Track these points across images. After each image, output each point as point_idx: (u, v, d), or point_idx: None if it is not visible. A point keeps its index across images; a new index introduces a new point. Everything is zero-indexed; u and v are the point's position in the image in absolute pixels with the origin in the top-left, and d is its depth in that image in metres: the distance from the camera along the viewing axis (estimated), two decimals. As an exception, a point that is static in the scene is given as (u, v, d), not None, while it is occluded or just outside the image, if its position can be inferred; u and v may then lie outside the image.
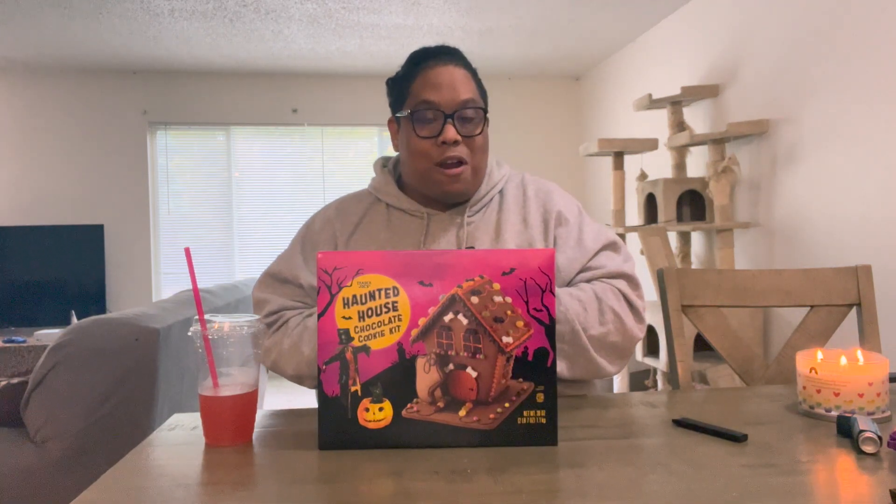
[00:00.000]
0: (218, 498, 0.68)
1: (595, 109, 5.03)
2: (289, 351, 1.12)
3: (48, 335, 3.90)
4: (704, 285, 1.33)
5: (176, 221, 5.05)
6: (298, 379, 1.13)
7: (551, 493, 0.67)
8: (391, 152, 1.35)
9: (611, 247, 1.21)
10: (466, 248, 1.17)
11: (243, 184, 5.11)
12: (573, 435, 0.86)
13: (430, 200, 1.22)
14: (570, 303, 1.10)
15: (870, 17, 2.41)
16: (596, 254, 1.20)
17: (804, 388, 0.94)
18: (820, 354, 0.94)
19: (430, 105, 1.13)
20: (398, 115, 1.20)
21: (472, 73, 1.20)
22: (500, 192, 1.25)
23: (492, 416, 0.81)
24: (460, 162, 1.15)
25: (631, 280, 1.18)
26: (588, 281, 1.18)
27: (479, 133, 1.16)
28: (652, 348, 3.26)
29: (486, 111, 1.18)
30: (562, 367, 1.10)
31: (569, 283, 1.19)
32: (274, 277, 1.21)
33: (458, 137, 1.13)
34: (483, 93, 1.21)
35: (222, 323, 0.85)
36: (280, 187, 5.14)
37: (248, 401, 0.86)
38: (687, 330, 1.41)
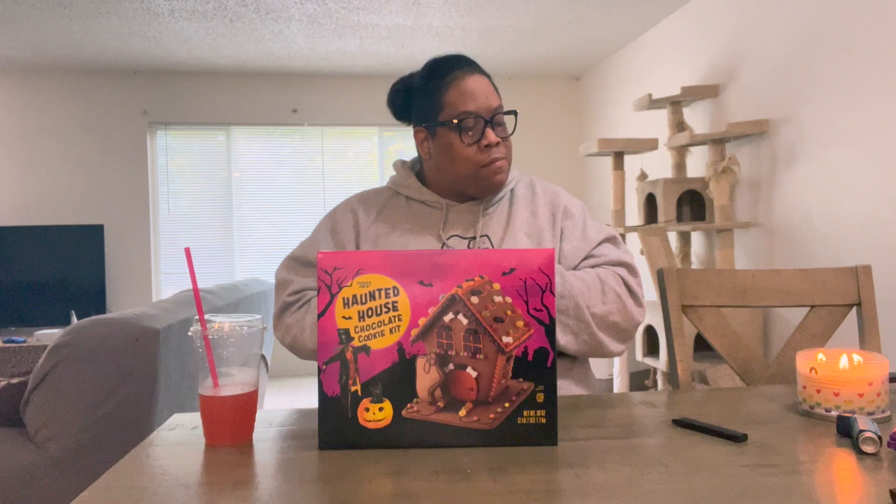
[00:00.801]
0: (218, 498, 0.68)
1: (595, 109, 5.03)
2: (312, 326, 1.17)
3: (48, 335, 3.90)
4: (704, 285, 1.33)
5: (176, 221, 5.05)
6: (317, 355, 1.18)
7: (551, 493, 0.67)
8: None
9: (611, 240, 1.31)
10: (480, 237, 1.27)
11: (243, 184, 5.11)
12: (573, 435, 0.86)
13: (449, 195, 1.31)
14: (574, 281, 1.18)
15: (870, 17, 2.41)
16: (598, 244, 1.29)
17: (804, 388, 0.94)
18: (820, 354, 0.94)
19: (471, 114, 1.22)
20: (431, 124, 1.27)
21: (490, 77, 1.30)
22: (511, 190, 1.35)
23: (492, 416, 0.81)
24: (502, 160, 1.27)
25: (631, 268, 1.26)
26: (592, 267, 1.27)
27: (512, 133, 1.29)
28: (652, 348, 3.26)
29: (515, 113, 1.31)
30: (567, 341, 1.17)
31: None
32: (297, 261, 1.28)
33: (499, 140, 1.25)
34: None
35: (222, 323, 0.85)
36: (280, 187, 5.14)
37: (248, 401, 0.86)
38: (687, 330, 1.41)
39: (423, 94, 1.28)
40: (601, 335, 1.18)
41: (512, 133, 1.28)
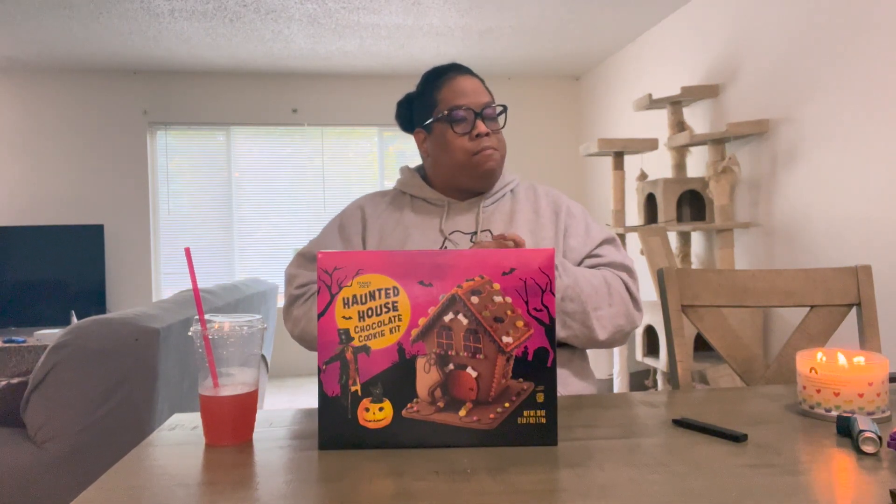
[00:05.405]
0: (218, 498, 0.68)
1: (595, 109, 5.03)
2: None
3: (48, 335, 3.90)
4: (704, 285, 1.33)
5: (176, 221, 5.05)
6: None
7: (551, 493, 0.67)
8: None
9: (612, 242, 1.38)
10: (482, 231, 1.32)
11: (243, 184, 5.11)
12: (573, 435, 0.86)
13: (450, 192, 1.38)
14: (584, 285, 1.24)
15: (870, 17, 2.41)
16: (600, 244, 1.36)
17: (804, 388, 0.94)
18: (820, 354, 0.94)
19: (462, 106, 1.32)
20: (428, 122, 1.37)
21: (482, 81, 1.39)
22: (512, 191, 1.42)
23: (492, 416, 0.81)
24: (493, 149, 1.34)
25: (631, 273, 1.34)
26: (594, 267, 1.33)
27: (503, 127, 1.39)
28: (652, 348, 3.26)
29: (505, 108, 1.39)
30: (564, 336, 1.24)
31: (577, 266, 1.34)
32: (304, 257, 1.34)
33: (489, 130, 1.33)
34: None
35: (222, 323, 0.85)
36: (280, 187, 5.13)
37: (248, 401, 0.86)
38: (687, 330, 1.42)
39: (421, 98, 1.39)
40: (597, 332, 1.24)
41: (503, 126, 1.37)
